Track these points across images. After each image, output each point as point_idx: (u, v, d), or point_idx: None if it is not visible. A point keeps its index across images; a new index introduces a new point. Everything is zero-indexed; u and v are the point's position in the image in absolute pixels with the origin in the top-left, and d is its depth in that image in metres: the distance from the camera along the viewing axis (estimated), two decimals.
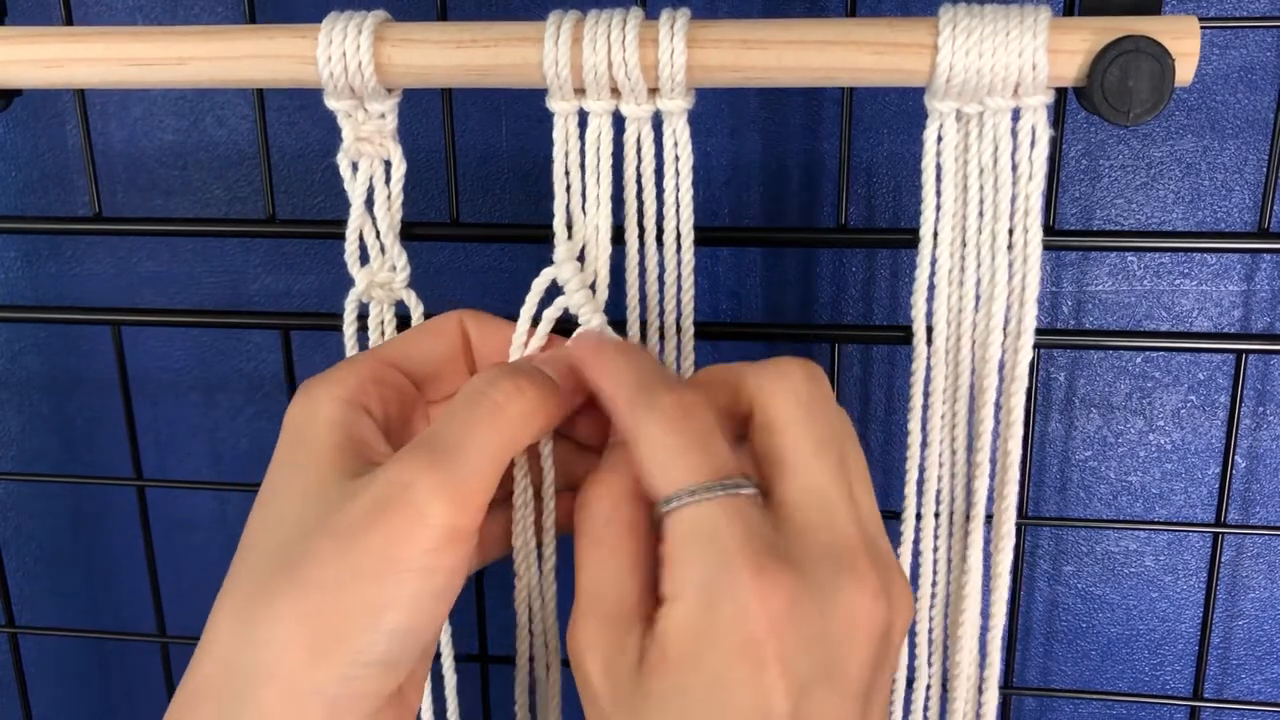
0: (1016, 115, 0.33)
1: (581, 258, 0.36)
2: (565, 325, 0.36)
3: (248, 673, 0.28)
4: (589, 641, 0.29)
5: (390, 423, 0.33)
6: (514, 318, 0.35)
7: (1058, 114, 0.40)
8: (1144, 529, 0.52)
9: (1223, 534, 0.45)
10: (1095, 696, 0.55)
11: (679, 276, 0.36)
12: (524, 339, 0.35)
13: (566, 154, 0.35)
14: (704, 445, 0.29)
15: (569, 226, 0.36)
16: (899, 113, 0.49)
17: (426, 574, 0.29)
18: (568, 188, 0.36)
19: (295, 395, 0.32)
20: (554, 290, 0.36)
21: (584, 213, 0.36)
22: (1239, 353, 0.42)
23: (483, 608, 0.48)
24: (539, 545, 0.35)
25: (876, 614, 0.28)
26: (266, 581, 0.29)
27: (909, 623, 0.30)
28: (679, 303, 0.36)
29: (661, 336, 0.37)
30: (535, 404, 0.31)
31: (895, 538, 0.38)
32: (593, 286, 0.35)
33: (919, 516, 0.37)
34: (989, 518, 0.37)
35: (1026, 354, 0.35)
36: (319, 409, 0.31)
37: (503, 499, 0.34)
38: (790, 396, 0.30)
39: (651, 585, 0.30)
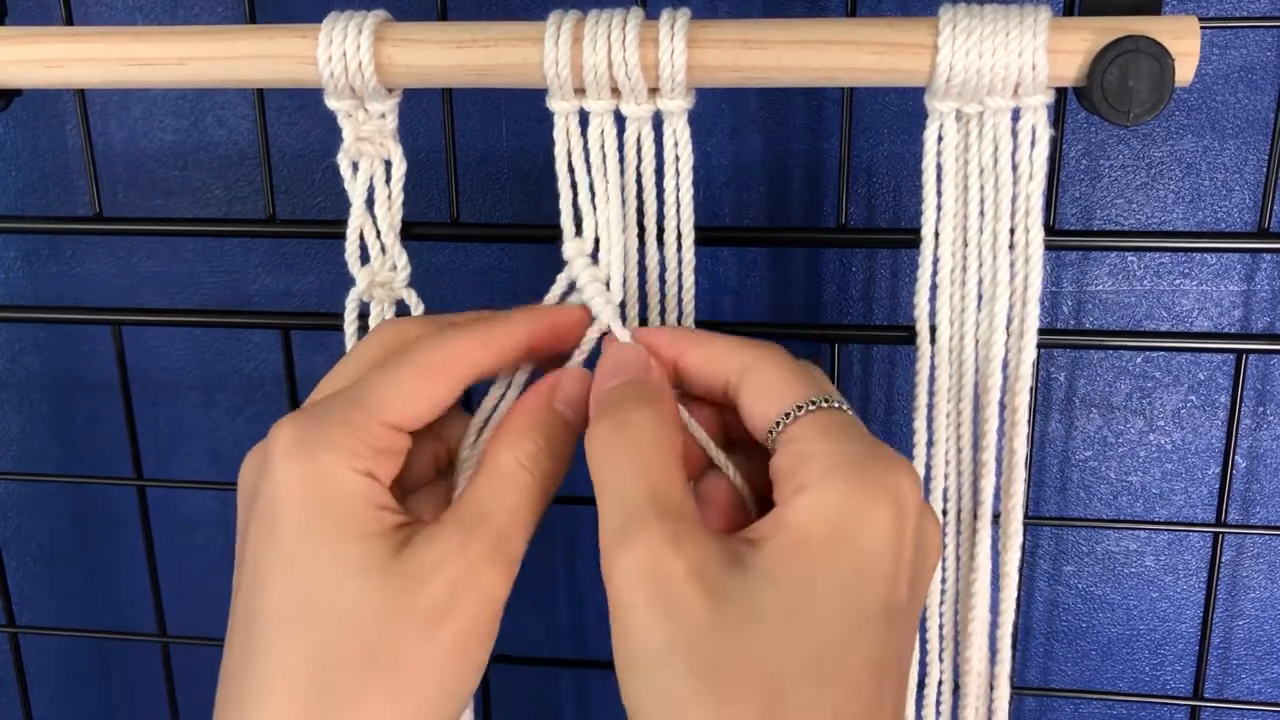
0: (1017, 115, 0.33)
1: (593, 255, 0.36)
2: None
3: None
4: (675, 547, 0.27)
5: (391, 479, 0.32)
6: None
7: (1058, 114, 0.40)
8: (1144, 529, 0.53)
9: (1223, 534, 0.45)
10: (1095, 696, 0.55)
11: (680, 276, 0.36)
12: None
13: (569, 154, 0.35)
14: (819, 378, 0.32)
15: (578, 225, 0.36)
16: (899, 113, 0.49)
17: (492, 637, 0.31)
18: (572, 186, 0.36)
19: (284, 453, 0.30)
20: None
21: (593, 207, 0.36)
22: (1239, 353, 0.42)
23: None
24: None
25: (938, 548, 0.30)
26: (342, 672, 0.28)
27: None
28: (680, 302, 0.36)
29: None
30: (567, 464, 0.33)
31: None
32: (607, 283, 0.35)
33: None
34: (995, 516, 0.37)
35: (1030, 353, 0.35)
36: (337, 481, 0.30)
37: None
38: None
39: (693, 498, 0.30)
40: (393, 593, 0.29)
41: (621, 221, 0.35)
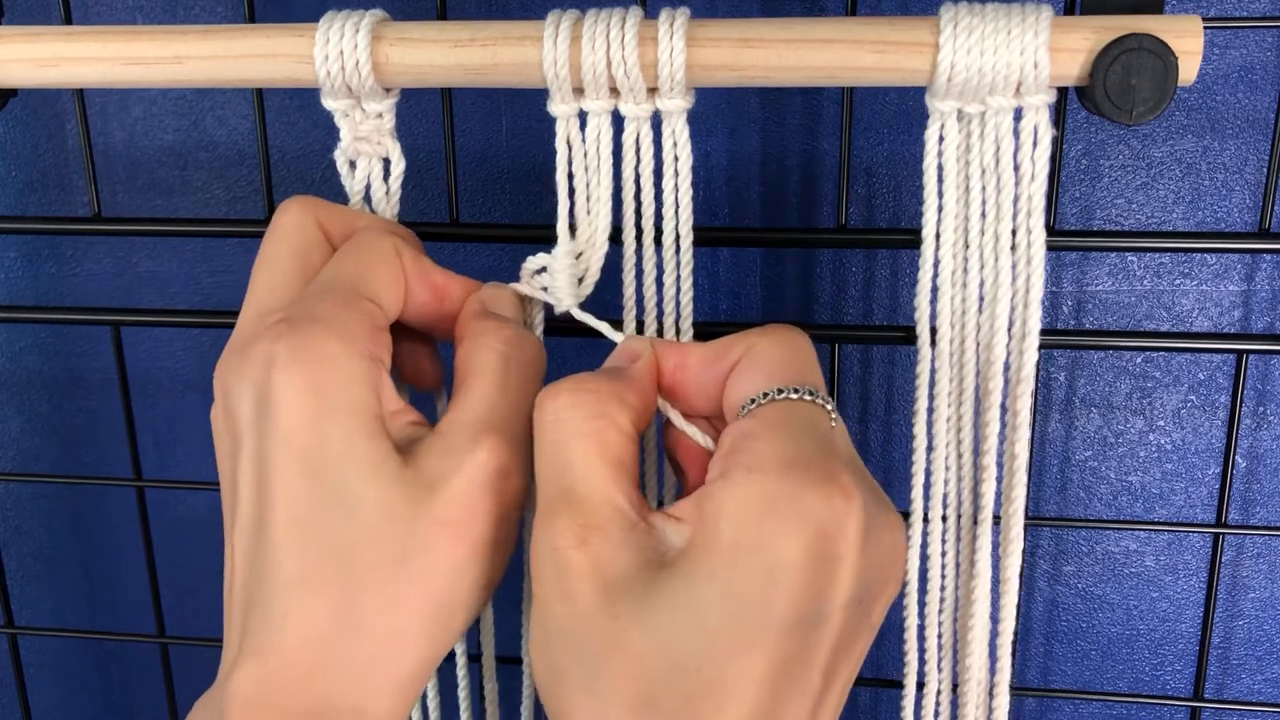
0: (1018, 115, 0.33)
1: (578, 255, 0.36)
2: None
3: (357, 664, 0.29)
4: (577, 537, 0.28)
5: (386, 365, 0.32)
6: None
7: (1058, 114, 0.40)
8: (1144, 529, 0.52)
9: (1223, 534, 0.45)
10: (1095, 697, 0.55)
11: (678, 277, 0.36)
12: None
13: (570, 154, 0.35)
14: (812, 366, 0.32)
15: (572, 228, 0.36)
16: (899, 113, 0.49)
17: (513, 537, 0.31)
18: (571, 189, 0.36)
19: (283, 342, 0.29)
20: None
21: (589, 214, 0.36)
22: (1239, 353, 0.42)
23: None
24: None
25: (900, 558, 0.30)
26: (373, 573, 0.29)
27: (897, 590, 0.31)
28: (678, 303, 0.36)
29: (661, 337, 0.37)
30: (541, 345, 0.34)
31: None
32: (581, 279, 0.36)
33: (926, 519, 0.37)
34: (996, 519, 0.36)
35: (1032, 355, 0.35)
36: (344, 365, 0.29)
37: None
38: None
39: (637, 492, 0.30)
40: (415, 499, 0.29)
41: (608, 226, 0.35)
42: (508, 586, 0.36)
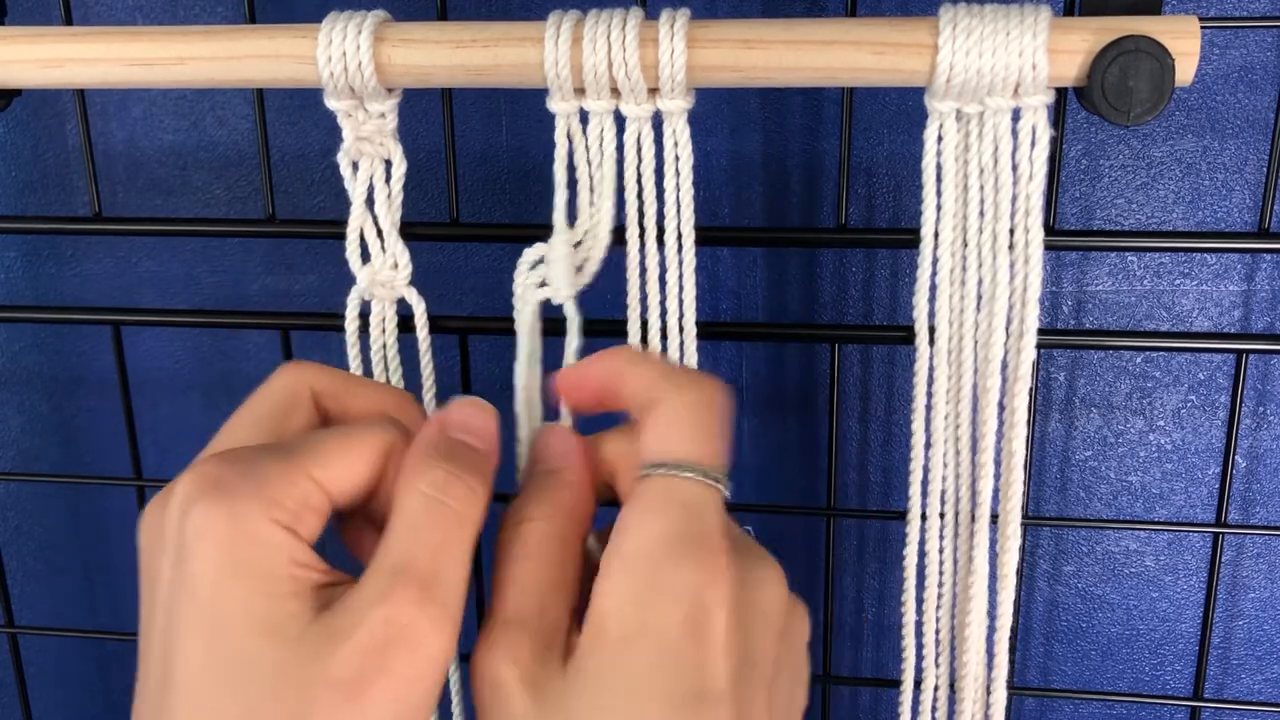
0: (1017, 115, 0.33)
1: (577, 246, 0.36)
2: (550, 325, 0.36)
3: None
4: (511, 650, 0.29)
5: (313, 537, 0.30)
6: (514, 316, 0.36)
7: (1058, 114, 0.40)
8: (1144, 529, 0.52)
9: (1223, 534, 0.45)
10: (1095, 696, 0.55)
11: (681, 277, 0.36)
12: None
13: (571, 154, 0.35)
14: (714, 436, 0.31)
15: (572, 220, 0.36)
16: (899, 113, 0.49)
17: (430, 706, 0.28)
18: (570, 185, 0.36)
19: (200, 498, 0.28)
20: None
21: (591, 205, 0.36)
22: (1239, 353, 0.42)
23: (483, 608, 0.48)
24: None
25: (784, 603, 0.30)
26: None
27: (808, 627, 0.32)
28: (681, 303, 0.36)
29: (664, 337, 0.37)
30: (485, 494, 0.30)
31: (901, 538, 0.38)
32: (580, 269, 0.36)
33: (924, 517, 0.37)
34: (994, 518, 0.37)
35: (1029, 354, 0.35)
36: (256, 531, 0.27)
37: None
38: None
39: (575, 596, 0.31)
40: (311, 658, 0.27)
41: (612, 218, 0.35)
42: None
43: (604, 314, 0.38)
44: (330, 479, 0.29)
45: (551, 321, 0.37)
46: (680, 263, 0.36)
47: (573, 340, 0.36)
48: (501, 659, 0.29)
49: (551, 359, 0.36)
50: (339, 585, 0.28)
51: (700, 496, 0.29)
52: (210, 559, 0.27)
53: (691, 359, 0.37)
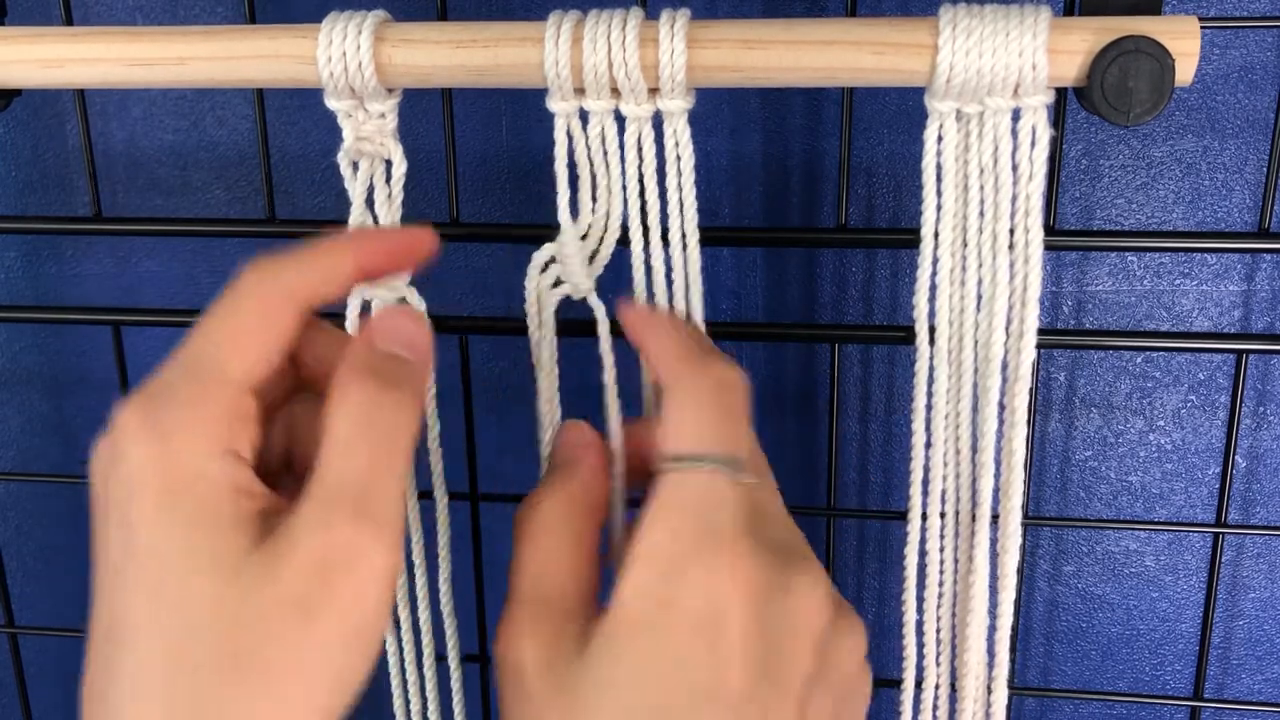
0: (1017, 115, 0.33)
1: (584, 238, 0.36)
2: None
3: None
4: (528, 631, 0.29)
5: (254, 452, 0.29)
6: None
7: (1058, 114, 0.40)
8: (1144, 529, 0.53)
9: (1223, 534, 0.45)
10: (1095, 696, 0.55)
11: (685, 277, 0.36)
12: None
13: (571, 153, 0.35)
14: (734, 423, 0.30)
15: (574, 214, 0.36)
16: (899, 113, 0.49)
17: (382, 621, 0.28)
18: (571, 181, 0.36)
19: (132, 438, 0.27)
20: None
21: (594, 200, 0.36)
22: (1239, 353, 0.42)
23: (483, 608, 0.48)
24: None
25: (824, 614, 0.30)
26: (207, 676, 0.26)
27: (862, 644, 0.31)
28: (687, 303, 0.36)
29: None
30: (417, 405, 0.30)
31: (901, 538, 0.38)
32: (592, 258, 0.36)
33: (924, 516, 0.37)
34: (994, 518, 0.37)
35: (1029, 354, 0.35)
36: (192, 464, 0.27)
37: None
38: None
39: (593, 584, 0.31)
40: (251, 587, 0.26)
41: (622, 212, 0.35)
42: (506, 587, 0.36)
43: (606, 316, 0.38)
44: (250, 372, 0.29)
45: (561, 322, 0.37)
46: (685, 261, 0.36)
47: (604, 338, 0.35)
48: (518, 635, 0.29)
49: (569, 358, 0.36)
50: (280, 510, 0.28)
51: (714, 492, 0.29)
52: (148, 502, 0.27)
53: None
